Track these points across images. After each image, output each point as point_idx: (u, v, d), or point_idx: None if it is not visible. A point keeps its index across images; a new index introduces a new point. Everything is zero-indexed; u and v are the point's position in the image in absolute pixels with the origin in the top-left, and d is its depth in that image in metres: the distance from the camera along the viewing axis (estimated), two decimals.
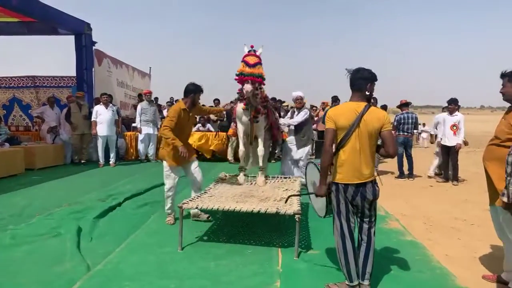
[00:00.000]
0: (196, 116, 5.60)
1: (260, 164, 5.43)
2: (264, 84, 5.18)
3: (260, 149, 5.40)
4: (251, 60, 4.91)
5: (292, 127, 6.90)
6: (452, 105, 8.00)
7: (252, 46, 5.07)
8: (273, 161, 10.89)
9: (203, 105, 6.28)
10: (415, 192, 7.13)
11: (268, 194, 4.60)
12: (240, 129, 5.43)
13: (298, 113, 6.88)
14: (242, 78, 4.89)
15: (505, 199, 2.66)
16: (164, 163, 4.80)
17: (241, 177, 5.45)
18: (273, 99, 7.20)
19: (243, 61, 4.94)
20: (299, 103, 6.84)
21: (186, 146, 4.69)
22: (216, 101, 11.76)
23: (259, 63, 4.96)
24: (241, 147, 5.52)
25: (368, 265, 2.94)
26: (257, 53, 5.04)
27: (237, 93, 5.34)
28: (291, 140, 6.97)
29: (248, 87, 4.82)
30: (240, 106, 5.29)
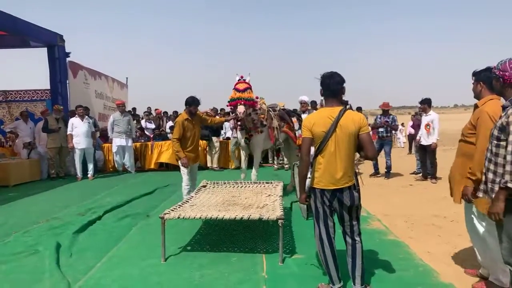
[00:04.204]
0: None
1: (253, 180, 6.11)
2: (256, 107, 5.93)
3: (253, 173, 6.24)
4: (241, 86, 5.73)
5: None
6: (424, 105, 8.22)
7: (242, 76, 5.87)
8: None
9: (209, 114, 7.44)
10: (395, 192, 7.24)
11: (251, 201, 4.58)
12: (240, 144, 6.47)
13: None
14: (233, 103, 5.72)
15: (480, 194, 2.72)
16: (179, 162, 5.61)
17: (242, 175, 6.36)
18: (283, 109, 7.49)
19: (234, 88, 5.76)
20: (303, 107, 7.11)
21: (194, 150, 5.69)
22: (215, 110, 11.65)
23: (248, 88, 5.76)
24: (242, 157, 6.66)
25: (357, 269, 2.92)
26: (246, 80, 5.82)
27: (231, 112, 6.12)
28: None
29: (241, 108, 5.60)
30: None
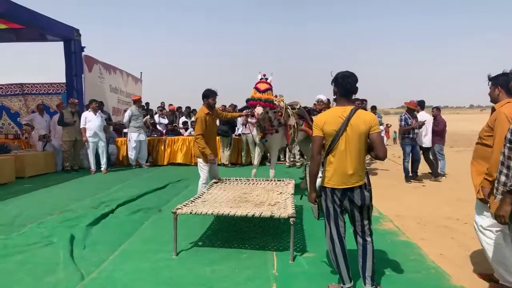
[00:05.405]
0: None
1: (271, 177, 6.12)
2: (274, 109, 5.88)
3: (271, 171, 6.28)
4: (262, 86, 5.65)
5: None
6: (418, 107, 8.21)
7: (264, 75, 5.78)
8: (267, 163, 10.92)
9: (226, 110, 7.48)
10: (408, 192, 7.17)
11: (263, 198, 4.59)
12: (255, 142, 6.51)
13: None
14: (252, 102, 5.66)
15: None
16: (200, 159, 5.47)
17: (253, 172, 6.30)
18: (305, 107, 7.36)
19: (255, 87, 5.68)
20: (320, 105, 7.03)
21: (214, 145, 5.65)
22: (232, 106, 11.72)
23: (269, 89, 5.68)
24: (256, 153, 6.56)
25: (367, 269, 2.92)
26: (268, 80, 5.74)
27: (248, 106, 6.13)
28: None
29: (259, 109, 5.56)
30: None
